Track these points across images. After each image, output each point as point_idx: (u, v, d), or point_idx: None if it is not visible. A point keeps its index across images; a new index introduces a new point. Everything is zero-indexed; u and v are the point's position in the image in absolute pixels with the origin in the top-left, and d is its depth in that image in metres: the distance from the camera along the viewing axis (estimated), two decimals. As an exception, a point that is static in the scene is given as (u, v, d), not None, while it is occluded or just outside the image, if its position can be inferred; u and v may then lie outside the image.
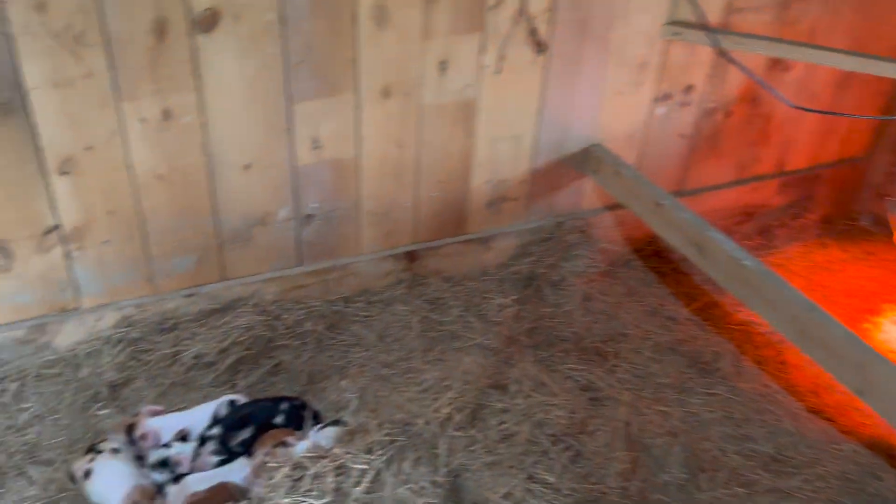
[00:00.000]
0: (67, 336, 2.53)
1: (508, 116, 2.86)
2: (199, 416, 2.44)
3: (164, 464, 2.29)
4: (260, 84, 2.36)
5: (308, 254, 2.84)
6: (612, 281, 3.29)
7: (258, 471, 2.23)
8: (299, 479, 2.12)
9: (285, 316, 2.81)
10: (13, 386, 2.47)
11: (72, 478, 2.26)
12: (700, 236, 2.63)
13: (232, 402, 2.46)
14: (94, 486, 2.21)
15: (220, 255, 2.66)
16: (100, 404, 2.51)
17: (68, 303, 2.51)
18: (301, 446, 2.30)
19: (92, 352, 2.57)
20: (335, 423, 2.44)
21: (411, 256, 3.02)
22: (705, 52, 2.98)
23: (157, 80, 2.21)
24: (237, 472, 2.29)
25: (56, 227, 2.35)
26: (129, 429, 2.35)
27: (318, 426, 2.45)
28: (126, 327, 2.61)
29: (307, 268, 2.86)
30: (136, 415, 2.41)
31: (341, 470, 2.15)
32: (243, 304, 2.77)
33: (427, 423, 2.38)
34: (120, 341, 2.60)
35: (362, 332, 2.90)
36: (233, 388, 2.64)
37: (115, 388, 2.55)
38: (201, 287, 2.69)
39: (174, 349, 2.62)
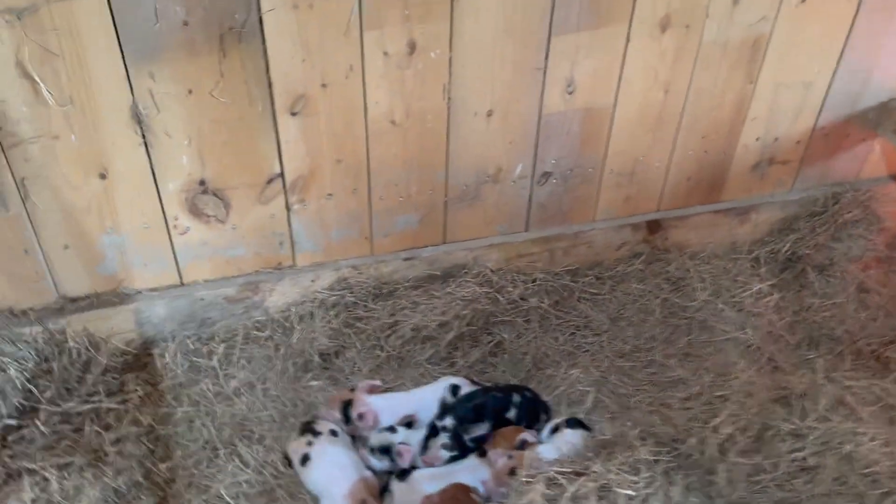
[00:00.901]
0: (280, 296, 2.26)
1: (801, 58, 2.27)
2: (423, 401, 2.12)
3: (385, 450, 1.99)
4: (520, 10, 1.92)
5: (536, 218, 2.42)
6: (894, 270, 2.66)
7: (502, 477, 1.89)
8: (554, 498, 1.74)
9: (509, 289, 2.42)
10: (221, 348, 2.24)
11: (288, 461, 2.01)
12: None
13: (454, 388, 2.12)
14: (313, 475, 1.94)
15: (444, 214, 2.29)
16: (311, 374, 2.25)
17: (284, 259, 2.24)
18: (546, 451, 1.92)
19: (305, 315, 2.30)
20: (574, 423, 2.05)
21: (652, 226, 2.54)
22: None
23: (409, 5, 1.81)
24: (470, 472, 1.96)
25: (279, 176, 2.05)
26: (346, 406, 2.06)
27: (551, 424, 2.08)
28: (341, 290, 2.31)
29: (534, 234, 2.45)
30: (353, 390, 2.11)
31: (604, 491, 1.76)
32: (465, 272, 2.41)
33: (701, 441, 1.94)
34: (335, 305, 2.31)
35: (592, 312, 2.48)
36: (451, 367, 2.30)
37: (326, 357, 2.28)
38: (421, 250, 2.35)
39: (392, 319, 2.30)
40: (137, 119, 1.83)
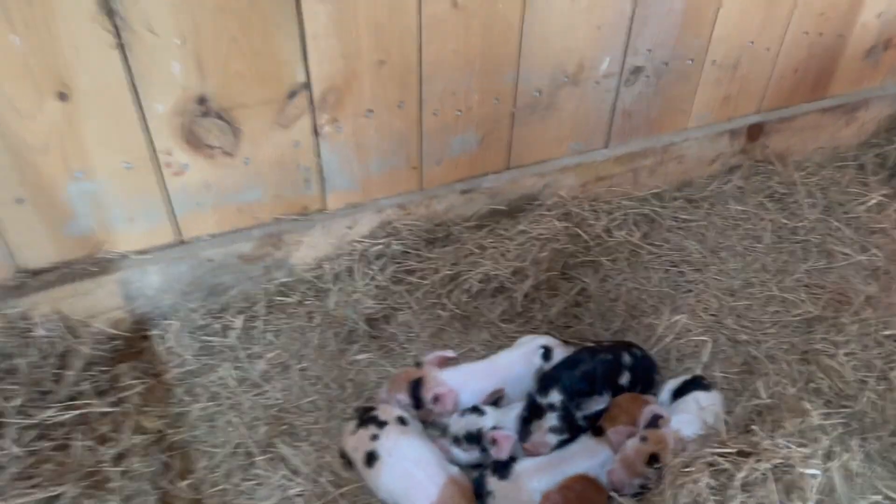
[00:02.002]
0: (309, 250, 1.75)
1: None
2: (510, 370, 1.66)
3: (473, 439, 1.53)
4: None
5: (619, 130, 1.94)
6: None
7: (636, 465, 1.45)
8: (721, 488, 1.32)
9: (590, 221, 1.94)
10: (239, 322, 1.73)
11: (347, 461, 1.53)
12: None
13: (546, 351, 1.66)
14: (385, 478, 1.48)
15: (510, 131, 1.79)
16: (357, 346, 1.77)
17: (311, 202, 1.72)
18: (683, 424, 1.49)
19: (342, 272, 1.80)
20: (702, 384, 1.62)
21: (753, 132, 2.08)
22: None
23: None
24: (586, 457, 1.53)
25: (305, 87, 1.51)
26: (415, 386, 1.59)
27: (670, 387, 1.65)
28: (386, 237, 1.81)
29: (615, 151, 1.97)
30: (419, 365, 1.64)
31: (782, 472, 1.34)
32: (537, 204, 1.93)
33: (880, 396, 1.52)
34: (379, 257, 1.81)
35: (687, 243, 2.04)
36: (528, 324, 1.84)
37: (374, 322, 1.80)
38: (481, 179, 1.85)
39: (452, 269, 1.81)
40: (108, 10, 1.27)
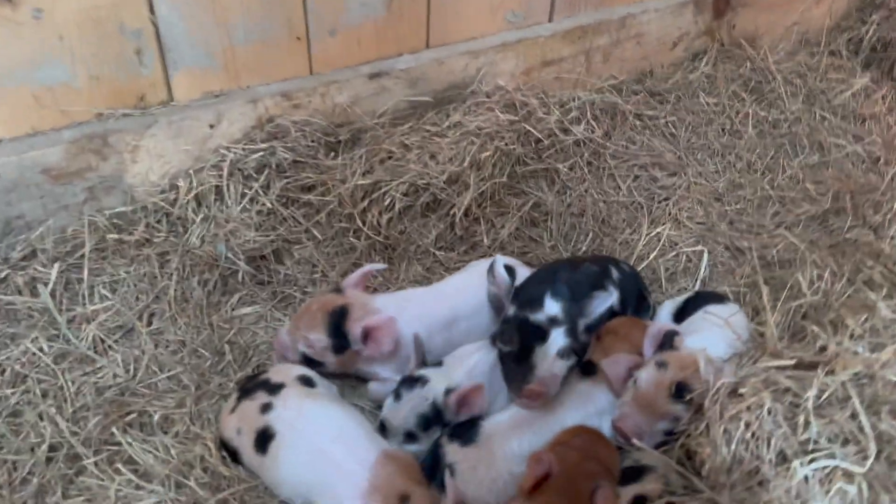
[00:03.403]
0: (154, 161, 1.21)
1: None
2: (461, 296, 1.19)
3: (429, 420, 1.06)
4: None
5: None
6: None
7: (659, 402, 1.00)
8: (789, 415, 0.89)
9: (540, 115, 1.49)
10: (53, 272, 1.17)
11: (230, 452, 1.01)
12: None
13: (509, 270, 1.19)
14: (286, 465, 1.01)
15: (430, -12, 1.32)
16: (238, 296, 1.26)
17: (150, 87, 1.18)
18: (709, 342, 1.07)
19: (206, 194, 1.26)
20: (704, 297, 1.21)
21: (719, 5, 1.70)
22: None
23: None
24: (577, 406, 1.09)
25: None
26: (335, 318, 1.07)
27: (673, 305, 1.25)
28: (268, 140, 1.29)
29: (562, 24, 1.54)
30: (339, 291, 1.13)
31: (863, 383, 0.94)
32: (470, 94, 1.46)
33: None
34: (260, 170, 1.29)
35: (657, 142, 1.64)
36: (474, 251, 1.37)
37: (260, 262, 1.28)
38: (395, 60, 1.37)
39: (367, 180, 1.31)
40: None
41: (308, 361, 1.11)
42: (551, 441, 1.00)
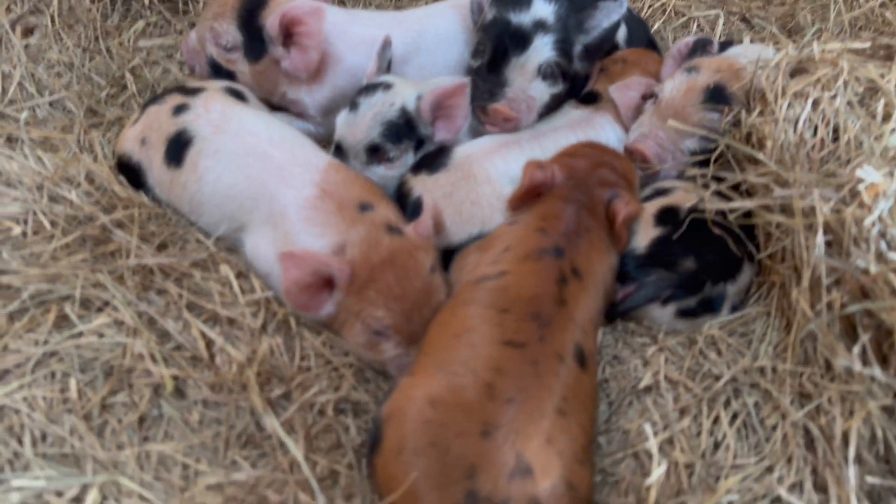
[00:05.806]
0: None
1: None
2: (425, 22, 0.95)
3: (401, 130, 0.81)
4: None
5: None
6: None
7: (683, 110, 0.81)
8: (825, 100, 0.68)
9: None
10: None
11: (130, 174, 0.79)
12: None
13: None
14: (206, 177, 0.78)
15: None
16: (143, 25, 0.98)
17: None
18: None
19: None
20: (723, 43, 1.03)
21: None
22: None
23: None
24: (567, 130, 0.85)
25: None
26: (252, 4, 0.84)
27: (679, 47, 1.03)
28: None
29: None
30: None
31: None
32: None
33: None
34: None
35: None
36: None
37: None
38: None
39: None
40: None
41: (217, 71, 0.85)
42: (558, 152, 0.77)
